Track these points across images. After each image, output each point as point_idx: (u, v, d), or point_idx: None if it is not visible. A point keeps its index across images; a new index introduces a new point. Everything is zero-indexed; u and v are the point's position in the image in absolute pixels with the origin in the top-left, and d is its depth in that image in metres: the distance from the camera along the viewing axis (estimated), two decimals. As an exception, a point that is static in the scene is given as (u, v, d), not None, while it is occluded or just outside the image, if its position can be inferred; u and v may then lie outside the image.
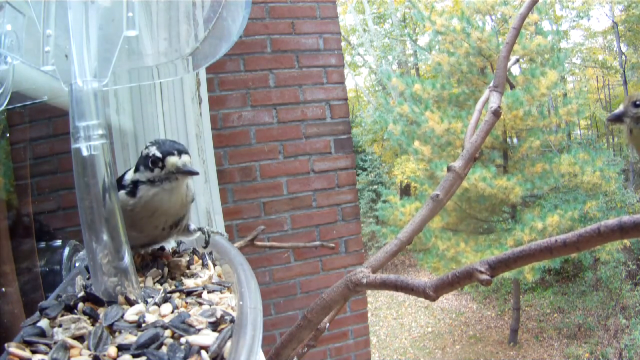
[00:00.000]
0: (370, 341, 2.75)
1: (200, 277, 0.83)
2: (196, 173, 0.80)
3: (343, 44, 4.76)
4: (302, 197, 2.54)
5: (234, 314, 0.67)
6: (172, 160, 0.79)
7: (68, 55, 0.71)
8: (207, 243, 0.94)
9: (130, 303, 0.69)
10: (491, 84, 1.15)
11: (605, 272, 9.80)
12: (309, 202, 2.55)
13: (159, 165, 0.79)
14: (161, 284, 0.82)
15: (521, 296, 10.13)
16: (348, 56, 17.04)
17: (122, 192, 0.81)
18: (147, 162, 0.80)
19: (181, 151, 0.79)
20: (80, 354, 0.57)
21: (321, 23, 2.60)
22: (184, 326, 0.62)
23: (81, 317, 0.64)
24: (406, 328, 10.80)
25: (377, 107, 14.30)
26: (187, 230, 0.91)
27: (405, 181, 13.38)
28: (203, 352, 0.58)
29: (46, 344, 0.58)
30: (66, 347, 0.57)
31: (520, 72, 8.37)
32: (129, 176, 0.83)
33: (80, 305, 0.67)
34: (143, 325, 0.64)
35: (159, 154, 0.79)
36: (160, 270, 0.88)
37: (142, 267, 0.89)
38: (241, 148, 2.45)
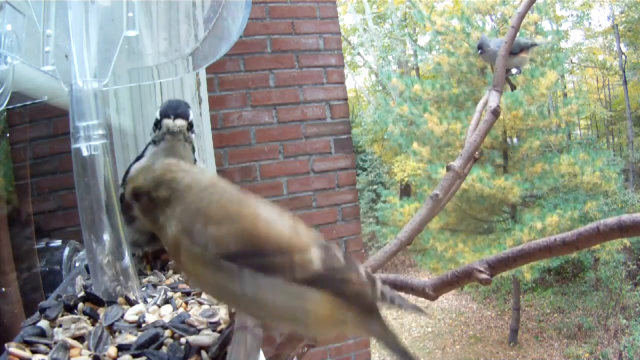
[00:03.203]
0: (370, 341, 2.74)
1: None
2: (176, 132, 0.84)
3: (343, 44, 4.76)
4: (302, 197, 2.54)
5: (234, 313, 0.67)
6: (166, 122, 0.84)
7: (68, 55, 0.71)
8: None
9: (130, 303, 0.69)
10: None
11: (605, 272, 9.80)
12: (309, 202, 2.55)
13: (158, 126, 0.86)
14: (161, 284, 0.82)
15: (521, 296, 10.12)
16: (348, 56, 17.03)
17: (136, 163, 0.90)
18: (154, 124, 0.88)
19: (177, 115, 0.84)
20: (80, 354, 0.58)
21: (321, 23, 2.59)
22: (184, 326, 0.63)
23: (81, 317, 0.64)
24: (406, 328, 10.80)
25: (377, 108, 14.28)
26: None
27: (406, 179, 13.36)
28: (203, 352, 0.58)
29: (46, 344, 0.58)
30: (66, 347, 0.57)
31: (520, 72, 8.35)
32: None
33: (80, 305, 0.67)
34: (143, 325, 0.64)
35: (158, 116, 0.85)
36: (160, 271, 0.88)
37: (143, 268, 0.89)
38: (241, 148, 2.45)
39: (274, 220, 0.58)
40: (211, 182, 0.61)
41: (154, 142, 0.88)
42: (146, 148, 0.91)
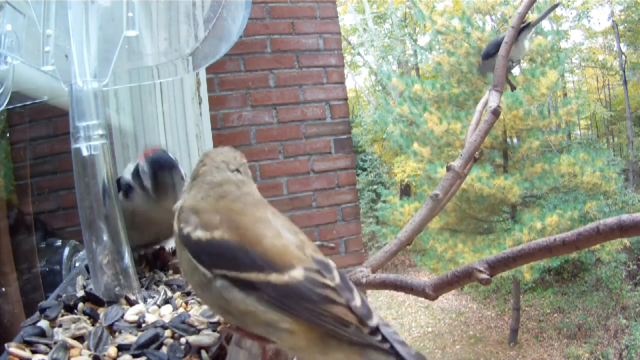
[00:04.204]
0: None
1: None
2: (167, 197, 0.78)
3: (343, 44, 4.76)
4: (302, 197, 2.54)
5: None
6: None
7: (68, 55, 0.71)
8: None
9: (131, 303, 0.69)
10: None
11: (605, 272, 9.79)
12: (309, 202, 2.55)
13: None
14: (161, 284, 0.82)
15: (521, 296, 10.12)
16: (348, 56, 17.03)
17: (120, 193, 0.82)
18: (137, 173, 0.81)
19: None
20: (80, 354, 0.58)
21: (321, 23, 2.59)
22: (184, 326, 0.63)
23: (81, 317, 0.64)
24: (406, 328, 10.80)
25: (377, 107, 14.28)
26: None
27: (406, 180, 13.36)
28: (203, 352, 0.59)
29: (46, 344, 0.58)
30: (66, 347, 0.57)
31: (520, 72, 8.35)
32: (127, 176, 0.84)
33: (80, 305, 0.67)
34: (143, 325, 0.64)
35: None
36: (160, 271, 0.88)
37: (143, 268, 0.89)
38: (241, 148, 2.43)
39: (267, 232, 0.56)
40: (225, 181, 0.61)
41: (142, 188, 0.81)
42: (128, 190, 0.83)
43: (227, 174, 0.62)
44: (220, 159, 0.63)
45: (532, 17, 7.99)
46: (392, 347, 0.53)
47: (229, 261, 0.53)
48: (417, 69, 15.98)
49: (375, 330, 0.53)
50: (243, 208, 0.59)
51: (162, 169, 0.78)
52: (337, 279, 0.56)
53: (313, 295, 0.52)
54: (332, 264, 0.58)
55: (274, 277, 0.52)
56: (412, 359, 0.53)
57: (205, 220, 0.56)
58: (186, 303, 0.72)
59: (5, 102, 0.85)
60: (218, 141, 2.33)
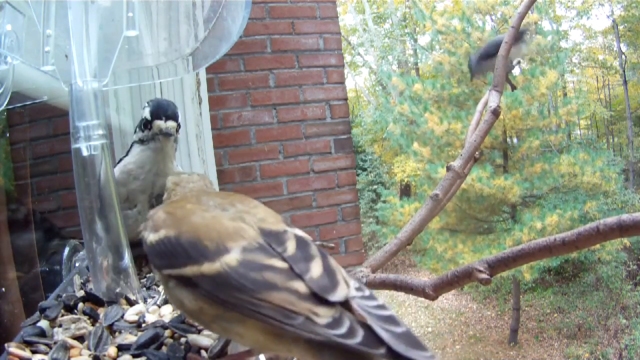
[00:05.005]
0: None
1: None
2: (170, 135, 0.86)
3: (343, 44, 4.76)
4: (302, 197, 2.54)
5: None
6: (158, 123, 0.85)
7: (68, 55, 0.71)
8: None
9: (131, 303, 0.69)
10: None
11: (606, 272, 9.79)
12: (309, 202, 2.55)
13: (148, 127, 0.86)
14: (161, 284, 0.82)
15: (521, 296, 10.11)
16: (348, 56, 17.02)
17: (115, 167, 0.89)
18: (140, 123, 0.88)
19: (169, 117, 0.86)
20: (81, 354, 0.58)
21: (321, 23, 2.60)
22: (183, 326, 0.63)
23: (81, 317, 0.64)
24: (406, 328, 10.76)
25: (377, 107, 14.28)
26: None
27: (406, 180, 13.36)
28: (203, 352, 0.59)
29: (46, 344, 0.58)
30: (66, 347, 0.57)
31: (520, 72, 8.35)
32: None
33: (80, 305, 0.67)
34: (143, 325, 0.64)
35: (149, 117, 0.86)
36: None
37: (143, 268, 0.89)
38: (241, 148, 2.45)
39: (200, 218, 0.51)
40: (187, 191, 0.63)
41: (142, 141, 0.88)
42: (131, 147, 0.91)
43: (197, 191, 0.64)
44: (191, 186, 0.65)
45: (532, 17, 7.98)
46: (364, 337, 0.40)
47: (169, 258, 0.49)
48: (417, 69, 15.98)
49: (340, 318, 0.41)
50: (185, 196, 0.61)
51: (162, 113, 0.86)
52: (291, 249, 0.46)
53: (246, 283, 0.43)
54: (289, 231, 0.49)
55: (206, 268, 0.45)
56: (397, 345, 0.39)
57: (155, 221, 0.55)
58: (186, 303, 0.72)
59: (5, 102, 0.86)
60: (218, 141, 2.33)
